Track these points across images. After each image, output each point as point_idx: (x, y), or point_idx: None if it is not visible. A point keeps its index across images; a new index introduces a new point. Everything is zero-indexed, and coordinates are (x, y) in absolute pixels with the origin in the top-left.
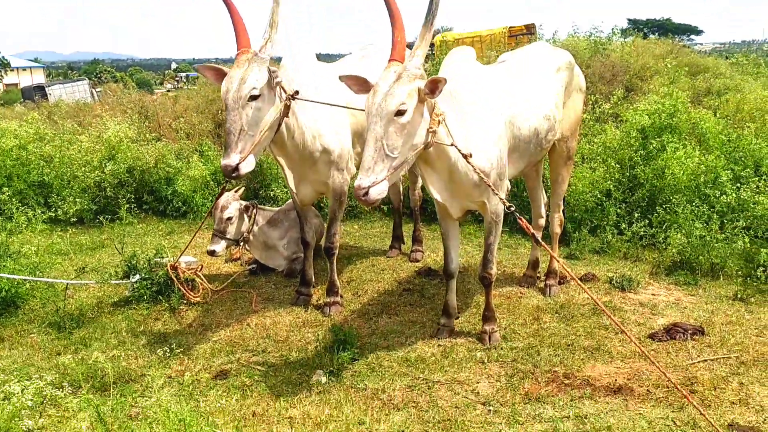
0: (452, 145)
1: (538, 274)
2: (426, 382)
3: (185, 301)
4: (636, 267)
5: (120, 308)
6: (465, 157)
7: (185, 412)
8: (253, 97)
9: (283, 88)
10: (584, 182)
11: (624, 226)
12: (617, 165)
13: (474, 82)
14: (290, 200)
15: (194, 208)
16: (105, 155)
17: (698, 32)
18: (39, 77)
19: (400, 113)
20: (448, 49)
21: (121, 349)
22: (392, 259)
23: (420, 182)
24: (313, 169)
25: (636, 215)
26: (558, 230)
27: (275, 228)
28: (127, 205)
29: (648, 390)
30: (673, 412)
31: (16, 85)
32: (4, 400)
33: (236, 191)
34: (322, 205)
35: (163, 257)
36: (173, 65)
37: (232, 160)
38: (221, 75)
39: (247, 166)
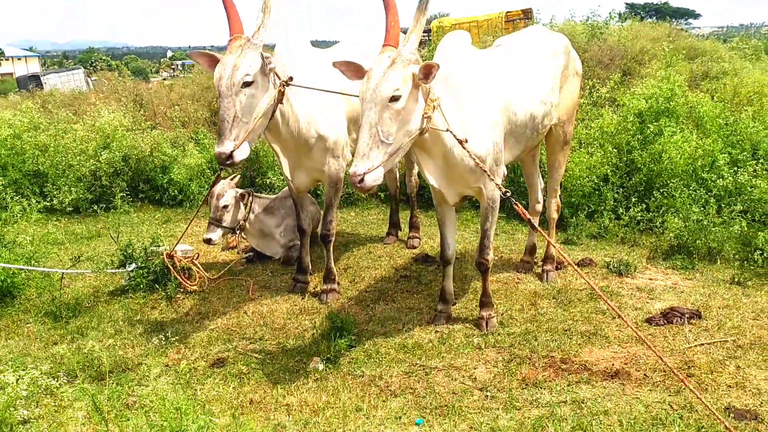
0: (447, 130)
1: (536, 260)
2: (423, 369)
3: (182, 290)
4: (633, 251)
5: (116, 297)
6: (460, 142)
7: (181, 400)
8: (247, 84)
9: (276, 74)
10: (581, 167)
11: (621, 210)
12: (614, 150)
13: (469, 66)
14: (286, 188)
15: (190, 196)
16: (100, 144)
17: (696, 16)
18: (34, 66)
19: (394, 99)
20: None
21: (117, 338)
22: (389, 245)
23: (416, 168)
24: (308, 156)
25: (633, 200)
26: (555, 215)
27: (271, 216)
28: (122, 194)
29: (645, 374)
30: (670, 396)
31: (11, 74)
32: None
33: (232, 179)
34: (318, 192)
35: (159, 246)
36: (169, 53)
37: (226, 147)
38: (214, 62)
39: (242, 154)
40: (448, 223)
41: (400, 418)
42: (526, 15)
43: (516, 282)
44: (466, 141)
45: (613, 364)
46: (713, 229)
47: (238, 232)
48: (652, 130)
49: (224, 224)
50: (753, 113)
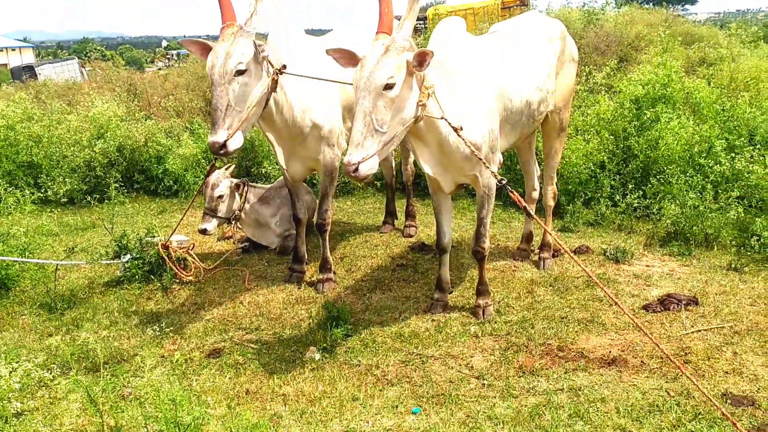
0: (442, 118)
1: (532, 248)
2: (420, 357)
3: (177, 281)
4: (630, 238)
5: (111, 288)
6: (455, 130)
7: (176, 391)
8: (240, 72)
9: (270, 62)
10: (578, 154)
11: (618, 197)
12: (611, 136)
13: (464, 52)
14: (282, 177)
15: (185, 186)
16: (94, 134)
17: (692, 2)
18: (29, 57)
19: (388, 87)
20: None
21: (113, 330)
22: (385, 234)
23: (412, 157)
24: (303, 145)
25: (630, 186)
26: (551, 203)
27: (267, 205)
28: (117, 185)
29: (642, 361)
30: (667, 382)
31: (5, 65)
32: None
33: (227, 169)
34: (314, 181)
35: (154, 236)
36: (164, 43)
37: (219, 137)
38: (207, 50)
39: (235, 143)
40: (445, 212)
41: (396, 407)
42: (522, 1)
43: (513, 270)
44: (461, 128)
45: (610, 352)
46: (710, 215)
47: (233, 222)
48: (648, 116)
49: (219, 214)
50: (750, 99)
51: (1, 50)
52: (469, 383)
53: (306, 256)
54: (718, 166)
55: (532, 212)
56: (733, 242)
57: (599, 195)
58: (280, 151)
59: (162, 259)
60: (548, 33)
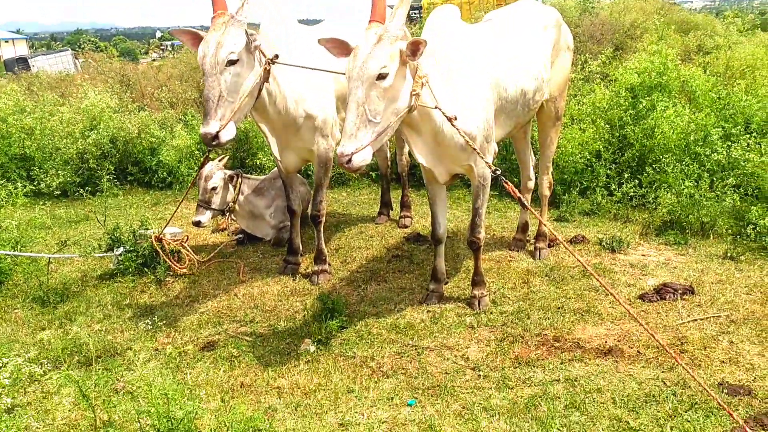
0: (436, 107)
1: (528, 238)
2: (415, 349)
3: (171, 273)
4: (626, 228)
5: (105, 281)
6: (450, 120)
7: (168, 385)
8: (231, 62)
9: (262, 52)
10: (573, 143)
11: (614, 186)
12: (606, 125)
13: (458, 41)
14: (276, 168)
15: (179, 178)
16: (87, 126)
17: None
18: (22, 49)
19: (381, 77)
20: None
21: (106, 323)
22: (380, 225)
23: (407, 147)
24: (296, 136)
25: (626, 176)
26: (547, 193)
27: (261, 197)
28: (110, 177)
29: (638, 351)
30: (663, 372)
31: None
32: None
33: (220, 160)
34: (308, 172)
35: (147, 229)
36: (158, 34)
37: (211, 127)
38: (198, 39)
39: (228, 134)
40: (439, 202)
41: (392, 399)
42: None
43: (508, 260)
44: (456, 118)
45: (606, 342)
46: (706, 203)
47: (227, 214)
48: (644, 105)
49: (213, 206)
50: (746, 87)
51: None
52: (464, 374)
53: (301, 248)
54: (714, 154)
55: (528, 202)
56: (729, 231)
57: (595, 184)
58: (274, 142)
59: (156, 251)
60: (543, 21)
